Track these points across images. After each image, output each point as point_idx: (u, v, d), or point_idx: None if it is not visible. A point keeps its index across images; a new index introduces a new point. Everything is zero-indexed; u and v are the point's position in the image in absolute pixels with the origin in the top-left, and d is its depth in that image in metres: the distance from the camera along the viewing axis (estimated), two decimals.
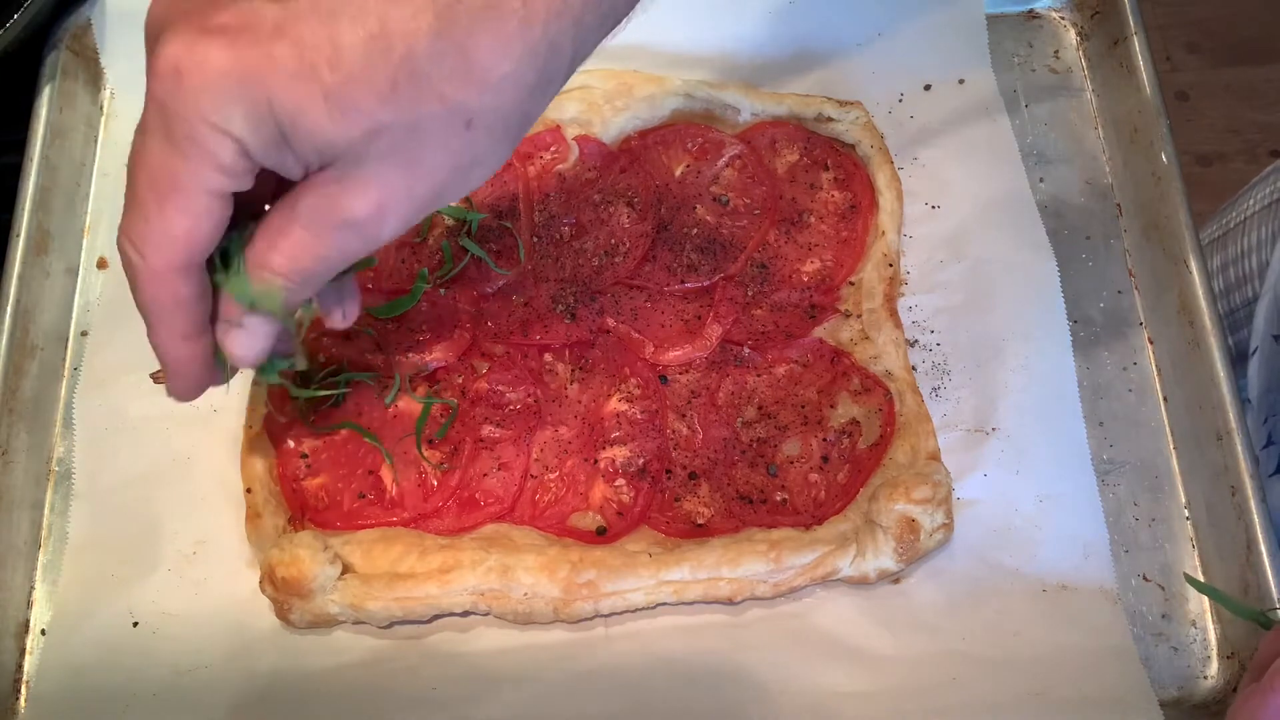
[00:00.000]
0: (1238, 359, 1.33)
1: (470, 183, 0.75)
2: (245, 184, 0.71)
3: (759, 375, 1.12)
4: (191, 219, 0.71)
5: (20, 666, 1.07)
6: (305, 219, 0.73)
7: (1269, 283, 1.30)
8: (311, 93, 0.66)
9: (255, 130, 0.68)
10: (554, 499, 1.07)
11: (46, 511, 1.14)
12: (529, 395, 1.11)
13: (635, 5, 0.78)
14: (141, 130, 0.70)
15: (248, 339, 0.82)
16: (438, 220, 1.19)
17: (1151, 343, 1.17)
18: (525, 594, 1.01)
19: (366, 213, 0.72)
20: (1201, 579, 1.06)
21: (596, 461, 1.08)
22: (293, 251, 0.74)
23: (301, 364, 0.95)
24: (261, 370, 0.92)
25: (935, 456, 1.07)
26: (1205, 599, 1.06)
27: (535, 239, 1.18)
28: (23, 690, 1.06)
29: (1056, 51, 1.31)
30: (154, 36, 0.68)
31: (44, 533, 1.13)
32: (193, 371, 0.82)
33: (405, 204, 0.73)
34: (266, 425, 1.10)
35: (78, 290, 1.23)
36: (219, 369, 0.86)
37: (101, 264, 1.24)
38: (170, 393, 0.86)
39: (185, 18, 0.67)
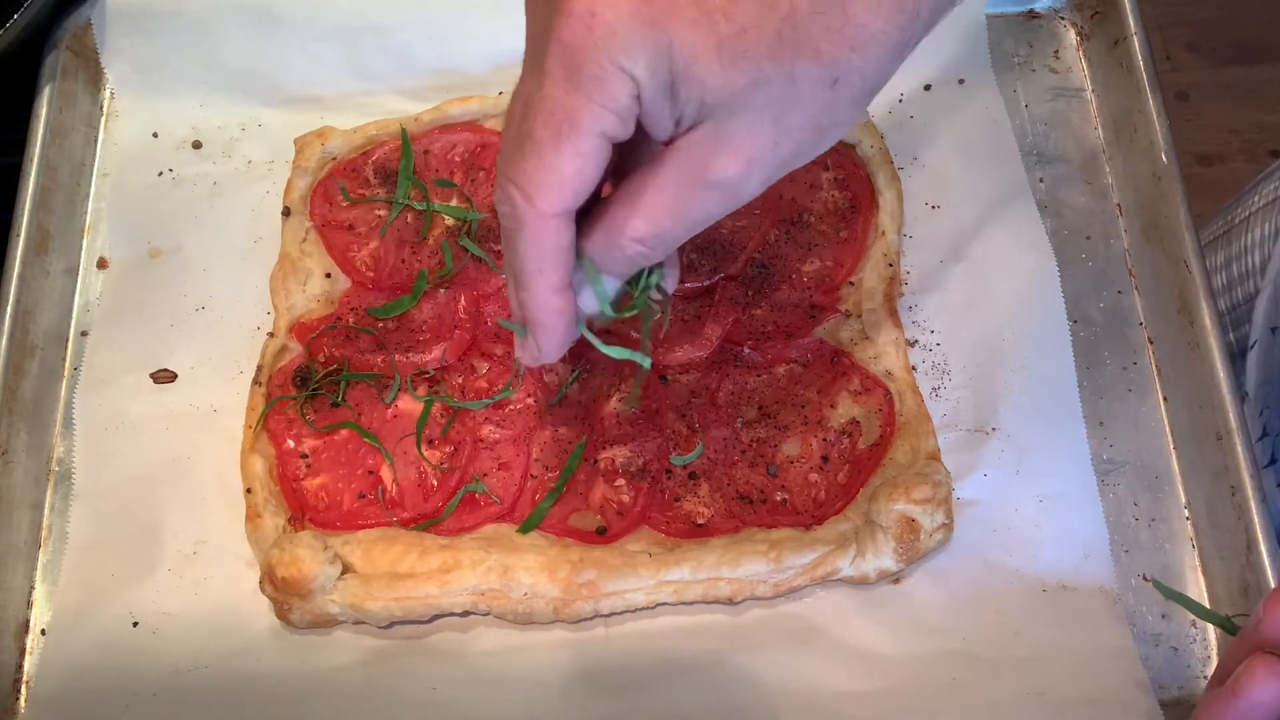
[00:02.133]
0: (1240, 354, 1.33)
1: (822, 145, 0.76)
2: (626, 132, 0.72)
3: (759, 375, 1.12)
4: (582, 160, 0.72)
5: (20, 666, 1.07)
6: (671, 181, 0.74)
7: (1269, 276, 1.30)
8: (707, 40, 0.69)
9: (653, 74, 0.69)
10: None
11: (46, 511, 1.14)
12: (529, 395, 1.11)
13: None
14: (539, 73, 0.71)
15: (600, 299, 0.83)
16: (438, 220, 1.19)
17: (1151, 343, 1.17)
18: (525, 594, 1.01)
19: (736, 170, 0.73)
20: (1202, 579, 1.06)
21: (596, 461, 1.08)
22: (655, 215, 0.75)
23: (672, 284, 0.91)
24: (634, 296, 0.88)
25: (935, 456, 1.07)
26: (1205, 599, 1.06)
27: None
28: (23, 690, 1.06)
29: (1056, 51, 1.31)
30: None
31: (44, 533, 1.13)
32: (562, 325, 0.81)
33: (770, 163, 0.74)
34: (266, 425, 1.10)
35: (78, 290, 1.23)
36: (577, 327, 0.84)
37: (101, 264, 1.24)
38: (535, 354, 0.83)
39: None
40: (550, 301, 0.79)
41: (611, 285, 0.81)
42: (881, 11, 0.70)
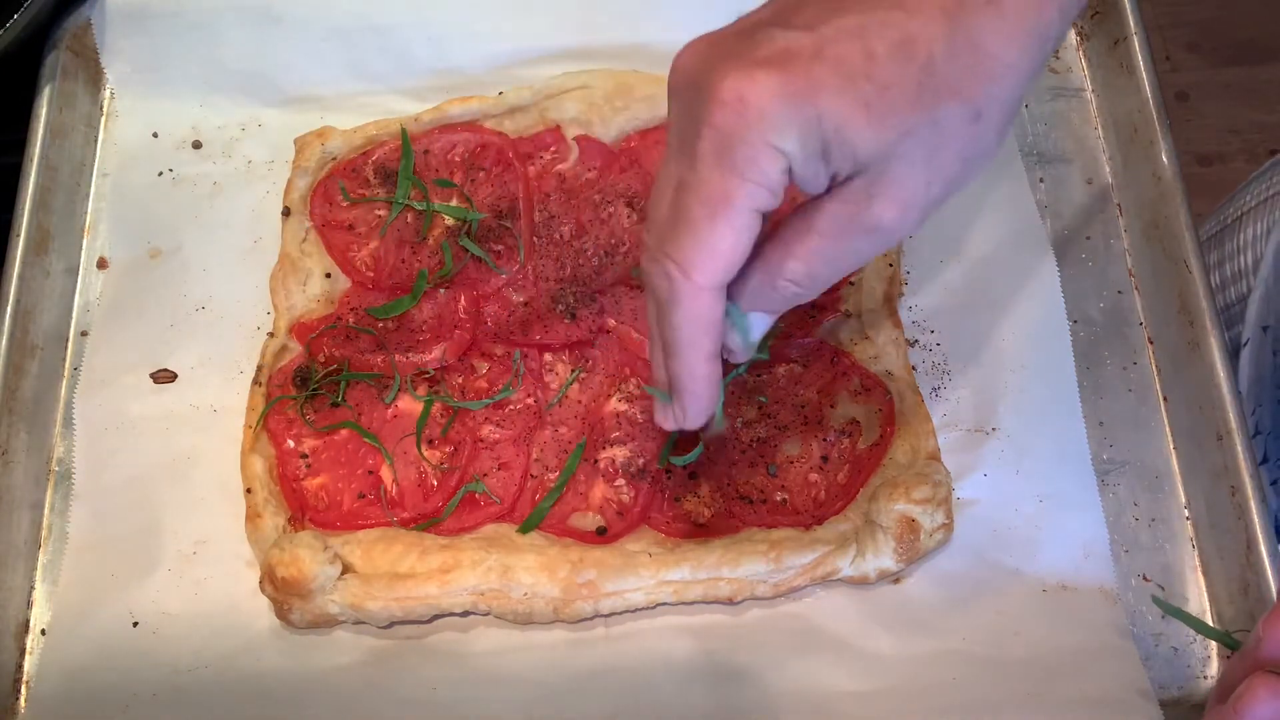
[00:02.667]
0: (1233, 354, 1.33)
1: (972, 175, 0.78)
2: (777, 203, 0.76)
3: (759, 375, 1.12)
4: (735, 236, 0.76)
5: (20, 666, 1.07)
6: (828, 227, 0.78)
7: (1261, 275, 1.30)
8: (854, 104, 0.71)
9: (804, 146, 0.73)
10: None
11: (46, 511, 1.14)
12: (529, 395, 1.11)
13: None
14: (691, 157, 0.75)
15: (756, 333, 0.87)
16: (438, 220, 1.19)
17: (1151, 343, 1.17)
18: (525, 594, 1.01)
19: (893, 216, 0.76)
20: (1202, 579, 1.06)
21: (596, 461, 1.08)
22: (810, 258, 0.79)
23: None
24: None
25: (935, 456, 1.07)
26: (1205, 599, 1.06)
27: (535, 239, 1.18)
28: (23, 690, 1.06)
29: (1056, 52, 1.31)
30: (696, 79, 0.74)
31: (44, 533, 1.13)
32: (709, 391, 0.84)
33: (922, 203, 0.77)
34: (266, 425, 1.10)
35: (78, 290, 1.23)
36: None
37: (101, 264, 1.24)
38: (681, 419, 0.86)
39: (734, 57, 0.73)
40: (703, 370, 0.82)
41: (762, 325, 0.85)
42: (1015, 43, 0.73)
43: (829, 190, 0.77)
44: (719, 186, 0.74)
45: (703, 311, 0.79)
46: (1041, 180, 1.24)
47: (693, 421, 0.86)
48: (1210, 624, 1.04)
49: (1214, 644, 1.04)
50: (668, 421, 0.88)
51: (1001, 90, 0.74)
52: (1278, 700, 0.73)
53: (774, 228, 0.81)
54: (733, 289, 0.81)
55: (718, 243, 0.76)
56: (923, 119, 0.73)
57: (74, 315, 1.22)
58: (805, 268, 0.79)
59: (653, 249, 0.79)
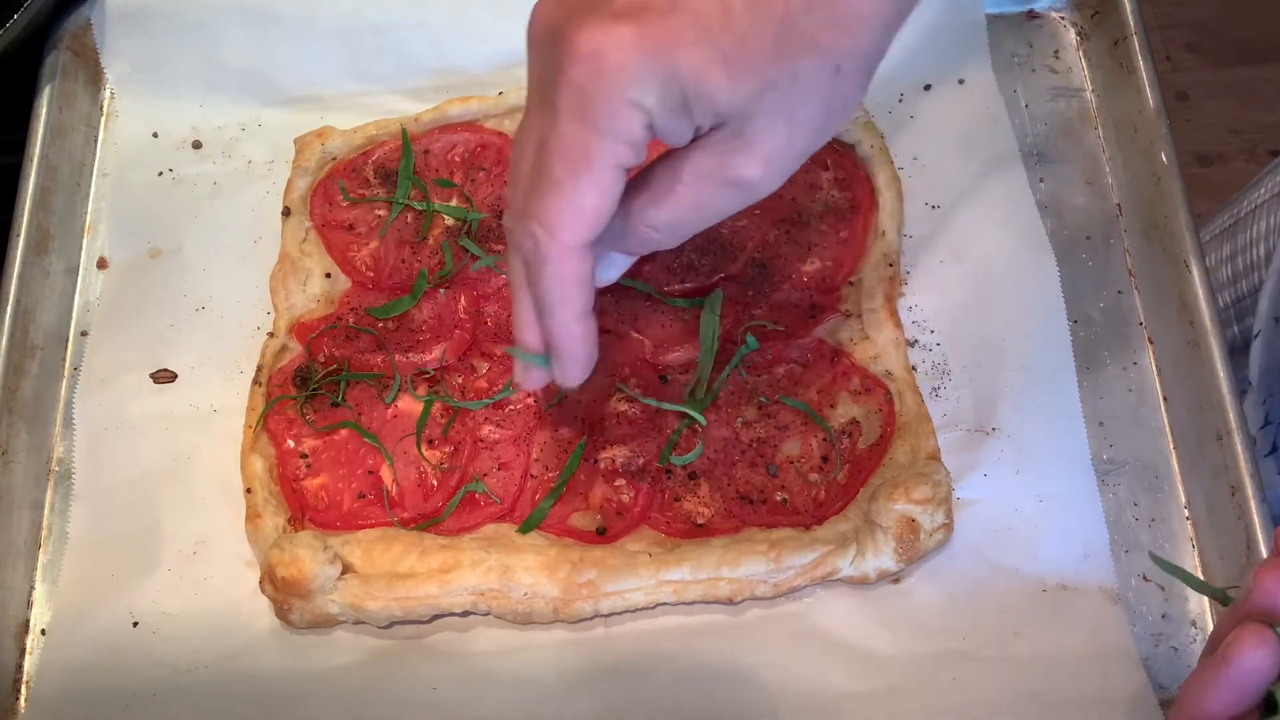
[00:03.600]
0: (1244, 347, 1.33)
1: (834, 128, 0.79)
2: (640, 158, 0.75)
3: (759, 375, 1.12)
4: (599, 194, 0.75)
5: (20, 666, 1.07)
6: (691, 178, 0.78)
7: (1274, 266, 1.30)
8: (710, 57, 0.71)
9: (663, 101, 0.72)
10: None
11: (46, 511, 1.14)
12: (529, 395, 1.11)
13: None
14: (551, 113, 0.73)
15: (614, 271, 0.89)
16: (438, 220, 1.19)
17: (1151, 343, 1.17)
18: (525, 594, 1.01)
19: (755, 171, 0.76)
20: (1201, 578, 1.06)
21: (596, 461, 1.08)
22: (675, 207, 0.79)
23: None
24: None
25: (935, 456, 1.07)
26: (1205, 599, 1.06)
27: None
28: (23, 690, 1.06)
29: (1056, 51, 1.31)
30: (553, 32, 0.73)
31: (44, 533, 1.13)
32: (585, 350, 0.85)
33: (785, 158, 0.77)
34: (266, 425, 1.10)
35: (78, 290, 1.23)
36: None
37: (101, 264, 1.24)
38: (561, 378, 0.87)
39: (587, 10, 0.71)
40: (576, 329, 0.82)
41: (620, 265, 0.87)
42: None
43: (694, 140, 0.76)
44: (580, 143, 0.73)
45: (572, 270, 0.78)
46: (1041, 180, 1.24)
47: (571, 380, 0.86)
48: (1204, 580, 1.03)
49: None
50: (529, 381, 0.89)
51: (860, 42, 0.74)
52: (1265, 648, 0.74)
53: (638, 171, 0.80)
54: None
55: (582, 201, 0.74)
56: (782, 72, 0.72)
57: (74, 315, 1.22)
58: (669, 216, 0.79)
59: (517, 208, 0.78)
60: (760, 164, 0.76)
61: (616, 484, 1.08)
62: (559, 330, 0.82)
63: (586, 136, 0.73)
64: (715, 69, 0.71)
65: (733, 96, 0.72)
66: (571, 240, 0.76)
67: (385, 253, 1.18)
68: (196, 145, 1.28)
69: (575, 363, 0.85)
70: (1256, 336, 1.31)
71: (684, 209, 0.79)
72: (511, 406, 1.11)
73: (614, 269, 0.87)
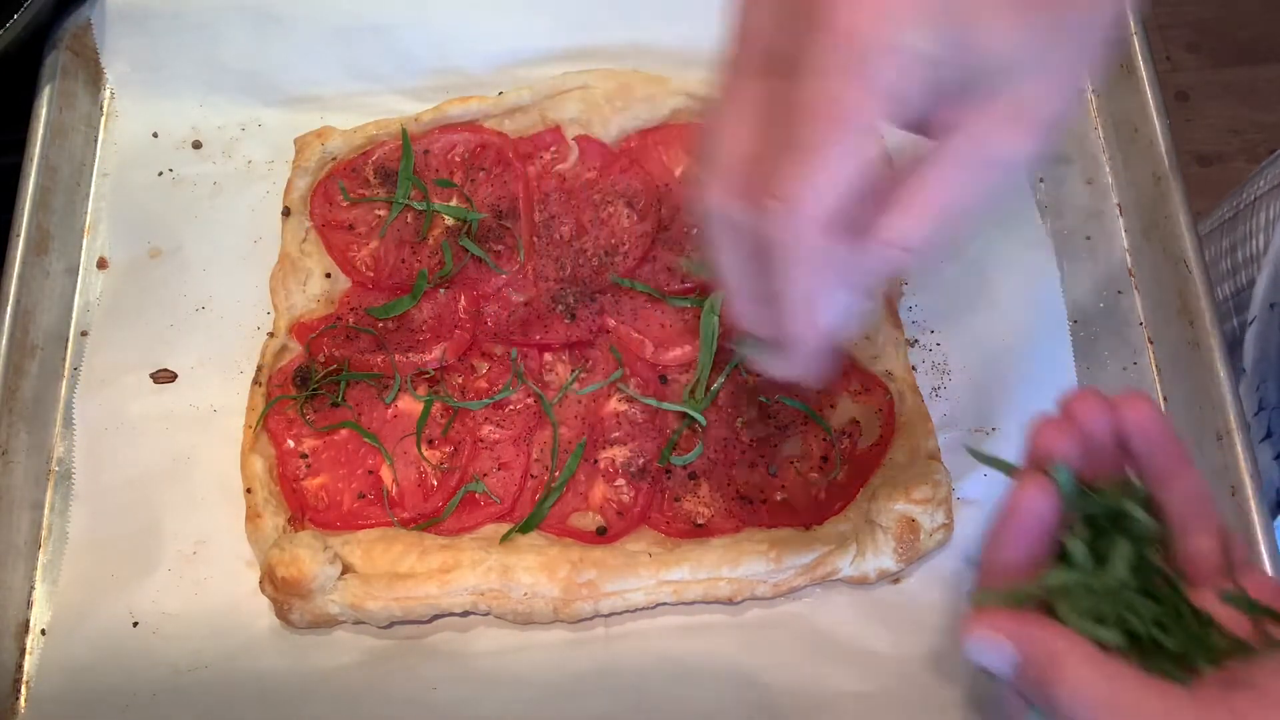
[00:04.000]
0: (1242, 338, 1.33)
1: (1073, 101, 0.74)
2: (904, 118, 0.67)
3: (759, 375, 1.12)
4: (853, 157, 0.64)
5: (20, 666, 1.07)
6: (942, 169, 0.67)
7: (1270, 254, 1.30)
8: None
9: (938, 44, 0.63)
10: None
11: (46, 511, 1.14)
12: (529, 395, 1.11)
13: None
14: (792, 75, 0.65)
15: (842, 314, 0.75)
16: (438, 220, 1.19)
17: (1151, 343, 1.17)
18: (525, 594, 1.01)
19: (1017, 138, 0.66)
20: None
21: (596, 461, 1.08)
22: (923, 210, 0.67)
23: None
24: None
25: (935, 456, 1.07)
26: None
27: (535, 239, 1.18)
28: (23, 690, 1.06)
29: None
30: None
31: (44, 533, 1.13)
32: (823, 337, 0.74)
33: (1050, 124, 0.68)
34: (266, 425, 1.10)
35: (78, 290, 1.23)
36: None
37: (101, 264, 1.24)
38: (797, 369, 0.76)
39: None
40: (814, 314, 0.71)
41: (850, 305, 0.73)
42: None
43: (938, 131, 0.67)
44: (837, 97, 0.63)
45: (815, 250, 0.66)
46: (1041, 180, 1.24)
47: (812, 368, 0.76)
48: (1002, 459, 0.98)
49: None
50: (777, 370, 0.78)
51: (1117, 7, 0.68)
52: (1041, 492, 0.78)
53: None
54: None
55: (833, 166, 0.64)
56: (1056, 19, 0.65)
57: (74, 315, 1.22)
58: (916, 224, 0.66)
59: (734, 186, 0.67)
60: (1023, 128, 0.66)
61: (616, 484, 1.08)
62: (801, 318, 0.71)
63: (844, 88, 0.63)
64: (991, 8, 0.63)
65: (1008, 41, 0.64)
66: (815, 210, 0.65)
67: (385, 253, 1.18)
68: (196, 145, 1.28)
69: (816, 352, 0.74)
70: (1251, 323, 1.31)
71: (936, 211, 0.67)
72: (511, 406, 1.11)
73: (842, 311, 0.71)
